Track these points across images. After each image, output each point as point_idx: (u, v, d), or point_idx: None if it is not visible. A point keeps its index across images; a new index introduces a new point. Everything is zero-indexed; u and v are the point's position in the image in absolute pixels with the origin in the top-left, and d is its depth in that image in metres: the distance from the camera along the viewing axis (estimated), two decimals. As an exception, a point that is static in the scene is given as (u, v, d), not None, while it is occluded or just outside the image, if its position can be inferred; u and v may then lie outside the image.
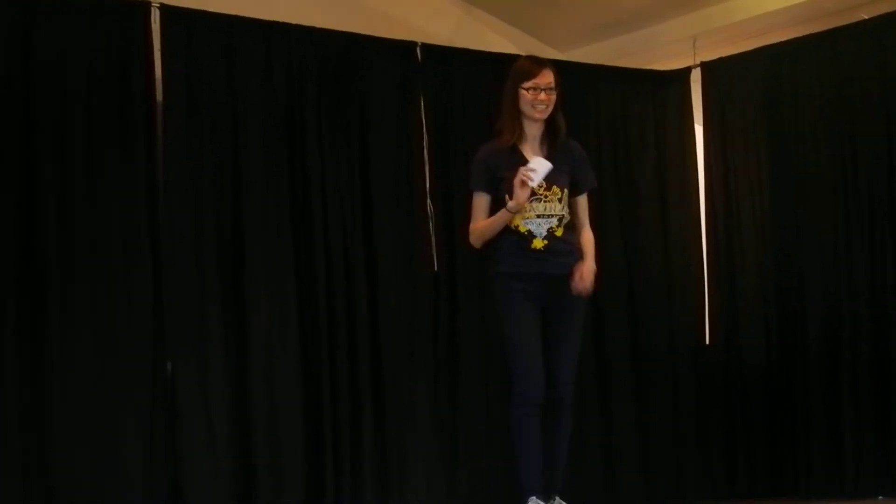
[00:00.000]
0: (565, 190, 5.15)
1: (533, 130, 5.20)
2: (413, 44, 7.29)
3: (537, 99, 5.11)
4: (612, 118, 8.00)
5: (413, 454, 6.91)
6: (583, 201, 5.32)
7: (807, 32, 7.65)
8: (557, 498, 5.10)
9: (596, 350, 7.62)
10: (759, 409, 7.64)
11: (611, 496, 7.50)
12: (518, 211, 5.03)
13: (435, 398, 7.10)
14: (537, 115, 5.14)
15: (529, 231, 5.10)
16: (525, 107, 5.14)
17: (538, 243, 5.09)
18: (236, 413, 6.47)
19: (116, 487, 6.05)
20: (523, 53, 7.94)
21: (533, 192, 5.04)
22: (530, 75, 5.14)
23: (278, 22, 6.84)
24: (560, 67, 7.91)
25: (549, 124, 5.20)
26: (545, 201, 5.09)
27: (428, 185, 7.15)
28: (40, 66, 6.10)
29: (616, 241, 7.81)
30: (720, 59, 8.01)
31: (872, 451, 7.04)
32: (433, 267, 7.15)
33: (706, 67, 8.05)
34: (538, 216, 5.09)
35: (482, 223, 5.18)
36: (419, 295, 7.09)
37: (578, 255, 5.20)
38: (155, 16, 6.44)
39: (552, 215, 5.11)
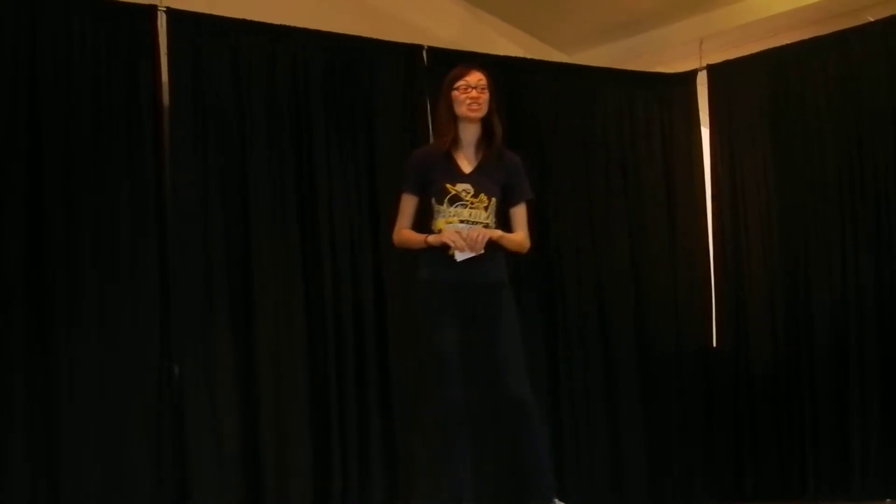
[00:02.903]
0: (493, 199, 5.05)
1: (468, 135, 5.12)
2: (419, 47, 7.30)
3: (469, 96, 5.05)
4: (619, 121, 8.00)
5: (420, 455, 6.90)
6: (520, 212, 5.21)
7: (813, 35, 7.65)
8: (556, 500, 5.00)
9: (603, 353, 7.64)
10: (767, 412, 7.62)
11: (618, 498, 7.50)
12: (434, 244, 4.97)
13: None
14: (471, 114, 5.06)
15: None
16: (459, 108, 5.07)
17: None
18: (243, 415, 6.47)
19: (123, 489, 6.05)
20: (529, 56, 8.02)
21: (458, 198, 4.99)
22: (460, 76, 5.10)
23: (284, 25, 6.85)
24: (567, 70, 8.09)
25: (485, 129, 5.13)
26: (471, 208, 5.00)
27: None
28: (47, 69, 6.12)
29: (623, 243, 7.82)
30: (726, 62, 8.01)
31: (880, 452, 7.02)
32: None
33: (712, 70, 8.05)
34: (462, 221, 4.97)
35: (405, 234, 5.12)
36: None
37: (503, 265, 5.11)
38: (161, 19, 6.46)
39: (476, 222, 4.99)
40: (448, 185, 5.01)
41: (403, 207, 5.16)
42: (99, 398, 6.05)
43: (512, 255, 5.23)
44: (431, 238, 4.98)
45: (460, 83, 5.06)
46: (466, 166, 5.08)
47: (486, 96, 5.07)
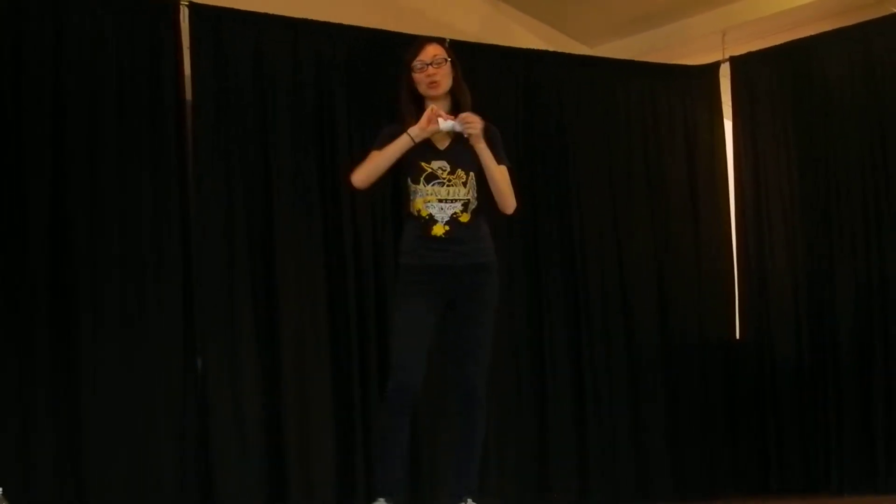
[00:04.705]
0: (471, 173, 4.86)
1: None
2: (441, 40, 7.27)
3: (426, 74, 4.87)
4: (642, 113, 7.98)
5: (443, 450, 6.89)
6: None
7: (837, 26, 7.61)
8: (470, 500, 4.82)
9: (626, 345, 7.63)
10: (791, 404, 7.61)
11: (642, 491, 7.49)
12: (420, 137, 4.79)
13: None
14: (431, 91, 4.88)
15: (430, 215, 4.80)
16: (420, 88, 4.91)
17: (438, 229, 4.79)
18: (267, 410, 6.48)
19: (148, 484, 6.07)
20: (551, 49, 8.00)
21: (435, 176, 4.81)
22: (415, 55, 4.92)
23: (306, 19, 6.85)
24: (589, 62, 8.07)
25: (453, 102, 4.94)
26: (448, 185, 4.82)
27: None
28: (71, 66, 6.14)
29: (646, 235, 7.81)
30: (749, 54, 7.99)
31: (905, 445, 7.01)
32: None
33: (735, 62, 8.03)
34: (440, 200, 4.80)
35: (373, 154, 4.94)
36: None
37: (490, 246, 4.91)
38: (184, 14, 6.47)
39: (456, 200, 4.81)
40: (423, 164, 4.84)
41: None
42: (123, 394, 6.07)
43: (495, 209, 4.98)
44: (414, 129, 4.78)
45: (416, 62, 4.89)
46: (440, 142, 4.91)
47: (444, 70, 4.89)
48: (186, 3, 6.48)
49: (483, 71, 7.43)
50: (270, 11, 6.76)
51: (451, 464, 5.00)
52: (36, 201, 5.96)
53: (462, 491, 4.83)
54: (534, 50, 7.85)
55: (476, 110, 7.29)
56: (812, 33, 7.73)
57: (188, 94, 6.49)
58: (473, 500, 4.81)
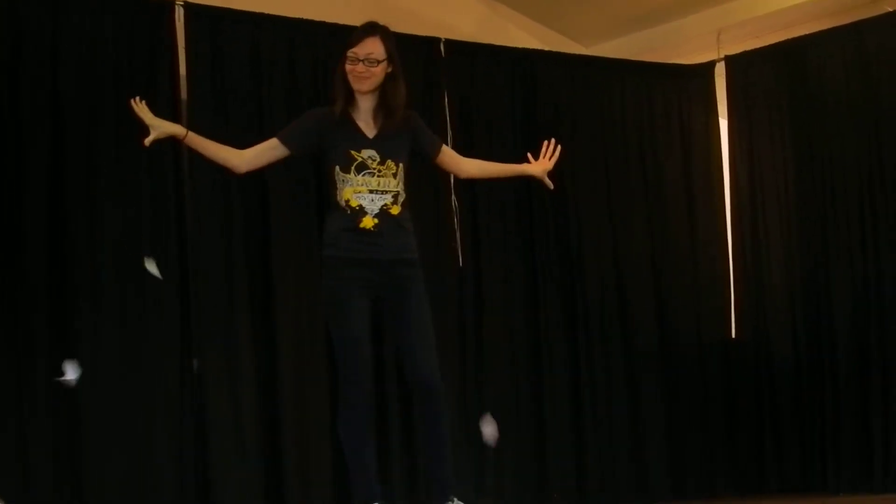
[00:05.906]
0: (401, 164, 4.71)
1: (363, 102, 4.75)
2: (437, 40, 7.29)
3: (354, 70, 4.67)
4: (638, 112, 7.99)
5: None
6: (447, 154, 4.98)
7: (832, 25, 7.63)
8: (455, 499, 4.66)
9: (623, 345, 7.63)
10: (788, 404, 7.61)
11: (639, 491, 7.49)
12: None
13: (462, 396, 7.08)
14: (356, 87, 4.69)
15: (361, 206, 4.62)
16: (349, 76, 4.70)
17: (368, 221, 4.62)
18: (265, 411, 6.48)
19: (146, 484, 6.08)
20: (546, 48, 8.00)
21: (365, 166, 4.63)
22: (351, 44, 4.69)
23: (302, 19, 6.85)
24: (585, 62, 8.06)
25: (381, 100, 4.75)
26: (378, 176, 4.64)
27: (452, 181, 7.11)
28: (68, 67, 6.14)
29: (642, 234, 7.81)
30: (744, 53, 8.00)
31: (902, 444, 7.01)
32: (458, 262, 7.13)
33: (730, 61, 8.04)
34: (371, 191, 4.62)
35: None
36: (445, 291, 7.03)
37: (413, 240, 4.77)
38: (179, 14, 6.47)
39: (386, 191, 4.64)
40: (353, 152, 4.66)
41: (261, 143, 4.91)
42: (122, 395, 6.07)
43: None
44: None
45: (350, 53, 4.68)
46: (369, 130, 4.74)
47: (375, 70, 4.66)
48: (182, 3, 6.47)
49: (480, 71, 7.45)
50: (267, 11, 6.76)
51: (426, 464, 4.87)
52: (35, 201, 5.96)
53: (445, 490, 4.69)
54: (530, 49, 7.85)
55: (473, 110, 7.42)
56: (807, 32, 7.75)
57: (184, 94, 6.49)
58: (459, 499, 4.67)
